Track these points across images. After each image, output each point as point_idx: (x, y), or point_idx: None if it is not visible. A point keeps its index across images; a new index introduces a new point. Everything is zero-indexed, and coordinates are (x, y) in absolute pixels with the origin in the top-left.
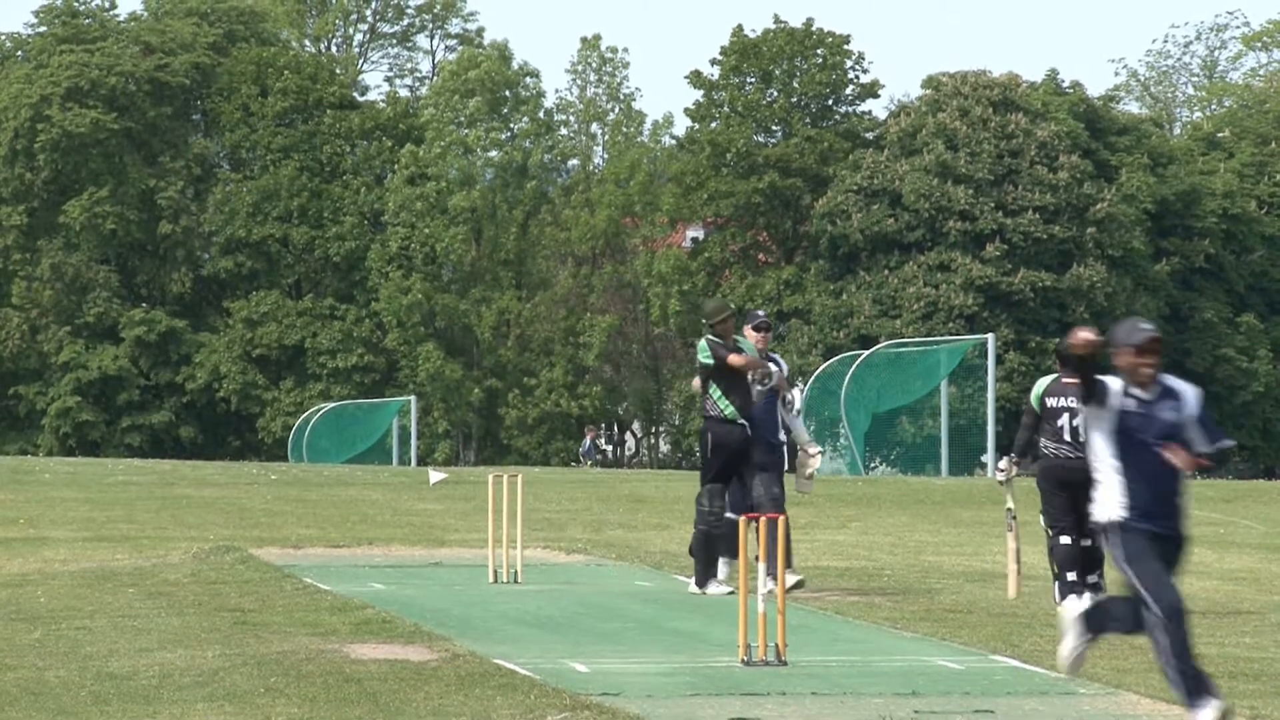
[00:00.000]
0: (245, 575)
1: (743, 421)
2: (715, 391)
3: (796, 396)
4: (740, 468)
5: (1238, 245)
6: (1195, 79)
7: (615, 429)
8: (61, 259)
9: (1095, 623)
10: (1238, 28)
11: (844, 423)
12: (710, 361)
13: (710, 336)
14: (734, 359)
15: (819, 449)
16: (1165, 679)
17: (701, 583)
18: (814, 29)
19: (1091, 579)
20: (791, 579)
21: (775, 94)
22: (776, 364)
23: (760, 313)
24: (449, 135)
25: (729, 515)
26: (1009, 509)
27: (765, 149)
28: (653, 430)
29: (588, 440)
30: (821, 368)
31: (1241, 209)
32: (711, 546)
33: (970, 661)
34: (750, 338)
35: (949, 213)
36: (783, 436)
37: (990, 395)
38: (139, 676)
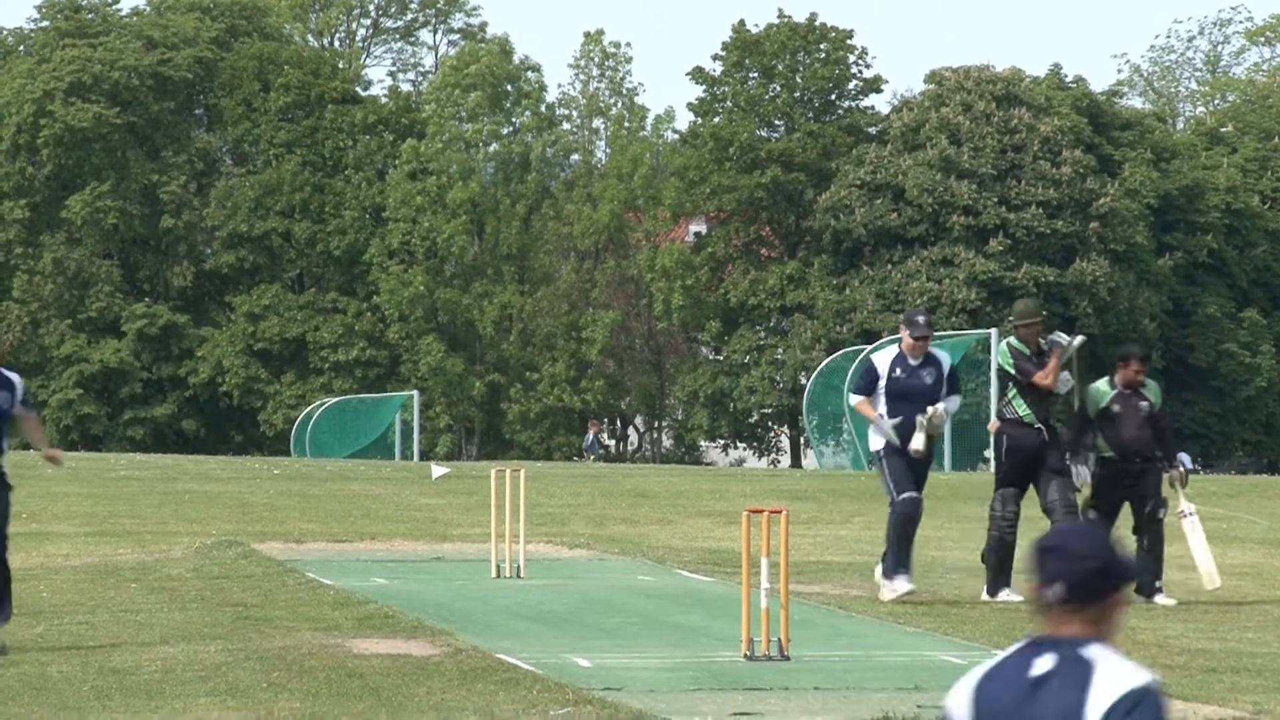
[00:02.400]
0: (248, 570)
1: (1039, 425)
2: (1012, 394)
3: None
4: (1035, 472)
5: (1241, 240)
6: (1198, 74)
7: (618, 424)
8: (64, 253)
9: None
10: (1241, 22)
11: (847, 418)
12: (1010, 369)
13: (1013, 341)
14: (1040, 378)
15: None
16: None
17: (993, 591)
18: (817, 24)
19: None
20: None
21: (778, 89)
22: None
23: (920, 319)
24: (450, 130)
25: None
26: (1188, 507)
27: (768, 143)
28: (655, 425)
29: (591, 435)
30: (825, 363)
31: (1244, 204)
32: (1005, 552)
33: (973, 656)
34: (906, 345)
35: (952, 207)
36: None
37: (993, 391)
38: (141, 671)
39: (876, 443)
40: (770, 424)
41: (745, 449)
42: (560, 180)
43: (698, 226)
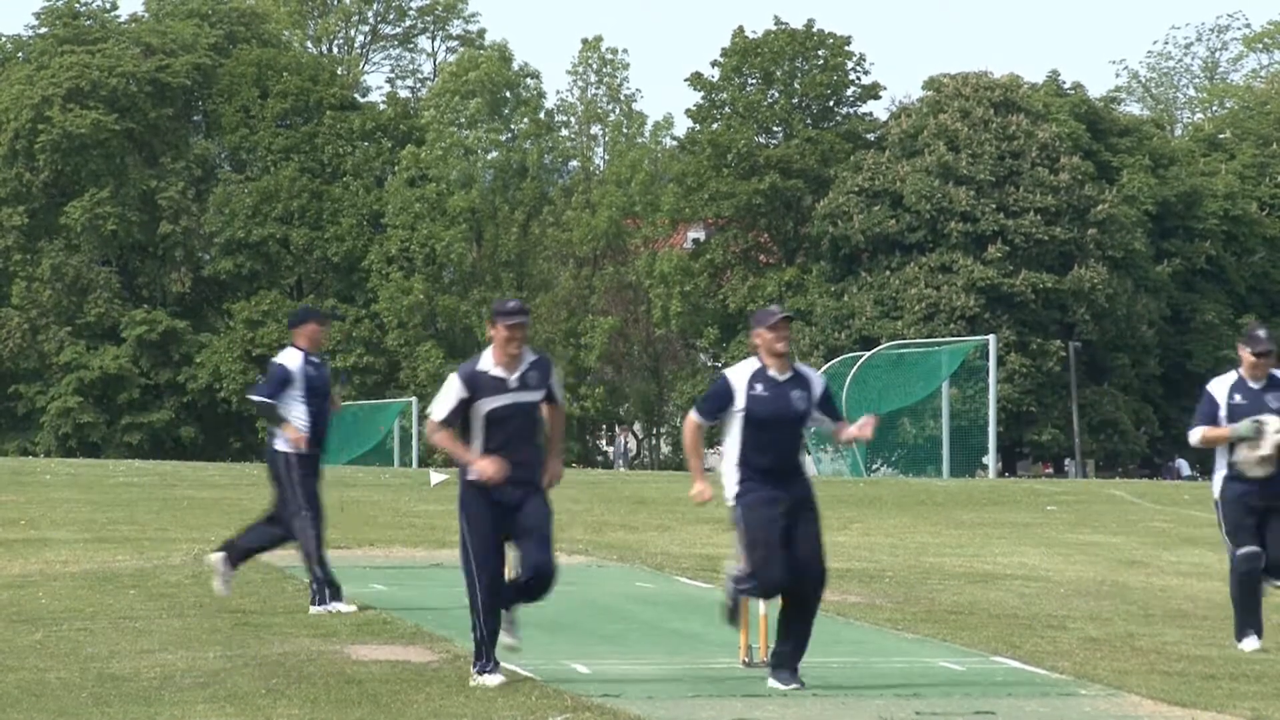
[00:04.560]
0: (246, 576)
1: None
2: None
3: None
4: None
5: (1239, 246)
6: (1196, 80)
7: (614, 430)
8: (62, 260)
9: None
10: (1239, 29)
11: None
12: None
13: None
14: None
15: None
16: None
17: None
18: (815, 30)
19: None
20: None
21: (776, 95)
22: None
23: (1261, 332)
24: (449, 137)
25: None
26: None
27: (766, 150)
28: (654, 432)
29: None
30: (823, 369)
31: (1242, 210)
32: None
33: (971, 663)
34: (1246, 365)
35: (950, 214)
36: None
37: (991, 397)
38: (140, 678)
39: (1217, 484)
40: None
41: None
42: (559, 186)
43: (696, 233)
